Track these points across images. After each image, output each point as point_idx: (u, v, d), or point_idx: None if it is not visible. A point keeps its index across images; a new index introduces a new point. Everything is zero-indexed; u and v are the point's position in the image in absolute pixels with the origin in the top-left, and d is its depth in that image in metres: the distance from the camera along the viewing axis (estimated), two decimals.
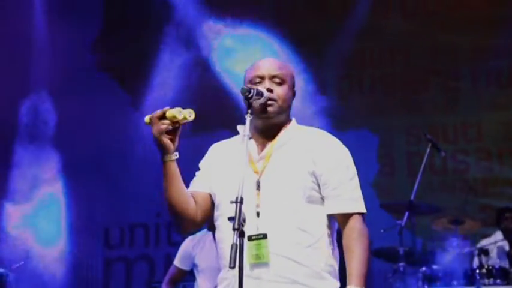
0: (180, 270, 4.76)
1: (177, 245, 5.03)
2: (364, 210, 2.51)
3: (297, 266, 2.39)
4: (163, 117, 2.44)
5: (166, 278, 4.78)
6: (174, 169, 2.48)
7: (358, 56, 8.41)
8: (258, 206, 2.42)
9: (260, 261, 2.35)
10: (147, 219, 8.31)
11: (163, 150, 2.46)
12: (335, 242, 2.54)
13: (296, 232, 2.41)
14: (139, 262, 8.40)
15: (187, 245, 4.72)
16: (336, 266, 2.51)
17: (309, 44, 8.25)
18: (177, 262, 4.75)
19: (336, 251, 2.53)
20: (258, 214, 2.41)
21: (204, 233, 4.69)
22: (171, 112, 2.44)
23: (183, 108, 2.46)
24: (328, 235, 2.49)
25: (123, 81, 8.65)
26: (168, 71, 8.15)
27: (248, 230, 2.27)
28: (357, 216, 2.49)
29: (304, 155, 2.50)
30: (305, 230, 2.42)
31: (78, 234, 8.17)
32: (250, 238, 2.29)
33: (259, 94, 2.44)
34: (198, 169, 2.67)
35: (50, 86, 8.21)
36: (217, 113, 7.45)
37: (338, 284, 2.50)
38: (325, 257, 2.46)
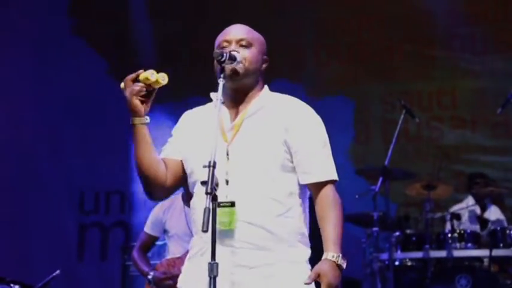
0: (150, 237, 4.76)
1: None
2: (336, 178, 2.51)
3: (267, 234, 2.40)
4: (136, 80, 2.44)
5: (137, 245, 4.77)
6: (145, 133, 2.47)
7: (334, 24, 8.39)
8: (227, 173, 2.42)
9: (228, 228, 2.35)
10: (122, 186, 8.31)
11: (134, 113, 2.45)
12: (307, 209, 2.55)
13: (266, 200, 2.41)
14: (115, 228, 8.42)
15: (157, 211, 4.73)
16: (307, 234, 2.52)
17: (285, 11, 8.23)
18: (147, 228, 4.75)
19: (307, 219, 2.54)
20: (227, 182, 2.41)
21: (174, 198, 4.70)
22: (143, 75, 2.44)
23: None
24: (300, 204, 2.50)
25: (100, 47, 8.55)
26: None
27: (218, 197, 2.29)
28: (329, 184, 2.49)
29: (275, 124, 2.50)
30: (275, 199, 2.43)
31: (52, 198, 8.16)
32: (219, 205, 2.29)
33: (232, 58, 2.44)
34: (171, 136, 2.66)
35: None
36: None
37: (309, 251, 2.51)
38: (297, 226, 2.47)
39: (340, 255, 2.38)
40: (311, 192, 2.53)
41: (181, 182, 2.58)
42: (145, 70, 2.46)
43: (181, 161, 2.57)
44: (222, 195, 2.34)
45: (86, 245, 8.43)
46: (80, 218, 8.47)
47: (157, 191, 2.55)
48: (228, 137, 2.49)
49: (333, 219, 2.42)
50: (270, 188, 2.43)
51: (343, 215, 2.47)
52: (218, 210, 2.26)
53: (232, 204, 2.38)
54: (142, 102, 2.45)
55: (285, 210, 2.45)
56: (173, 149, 2.59)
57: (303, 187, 2.53)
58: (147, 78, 2.43)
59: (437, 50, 8.31)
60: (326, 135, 2.57)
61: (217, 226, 2.25)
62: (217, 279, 2.18)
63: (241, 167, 2.43)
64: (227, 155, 2.45)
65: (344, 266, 2.39)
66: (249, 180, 2.42)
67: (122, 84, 2.48)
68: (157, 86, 2.47)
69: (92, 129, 8.21)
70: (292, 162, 2.49)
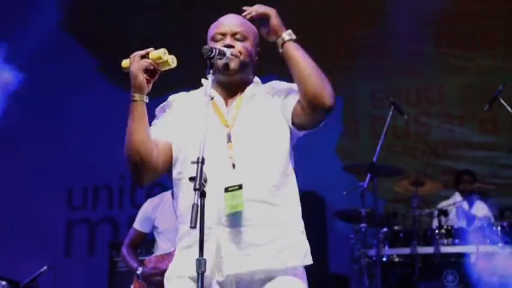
0: (140, 233, 4.76)
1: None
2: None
3: (274, 209, 2.41)
4: (144, 57, 2.43)
5: (126, 241, 4.77)
6: (143, 110, 2.43)
7: (323, 19, 8.39)
8: (231, 157, 2.40)
9: (236, 210, 2.34)
10: (111, 181, 8.29)
11: (137, 89, 2.42)
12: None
13: (274, 178, 2.43)
14: (103, 224, 8.40)
15: (146, 207, 4.73)
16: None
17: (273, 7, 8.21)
18: (136, 225, 4.75)
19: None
20: (233, 166, 2.39)
21: (163, 195, 4.70)
22: (155, 53, 2.42)
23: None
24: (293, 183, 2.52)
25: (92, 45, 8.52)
26: None
27: (224, 182, 2.32)
28: None
29: (270, 105, 2.52)
30: (278, 177, 2.44)
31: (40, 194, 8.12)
32: (226, 190, 2.30)
33: (221, 54, 2.43)
34: (155, 116, 2.61)
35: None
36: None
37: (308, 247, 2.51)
38: (299, 213, 2.50)
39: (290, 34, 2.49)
40: (298, 114, 2.47)
41: (171, 164, 2.52)
42: (155, 49, 2.44)
43: (171, 143, 2.52)
44: (229, 179, 2.35)
45: (74, 240, 8.40)
46: (67, 213, 8.44)
47: (147, 174, 2.46)
48: (228, 120, 2.48)
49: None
50: (275, 169, 2.44)
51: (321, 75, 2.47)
52: (225, 195, 2.29)
53: (240, 187, 2.36)
54: (146, 79, 2.42)
55: (287, 194, 2.47)
56: (163, 130, 2.54)
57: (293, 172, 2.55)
58: (159, 57, 2.42)
59: (425, 46, 8.33)
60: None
61: (225, 211, 2.30)
62: (225, 260, 2.24)
63: (244, 151, 2.42)
64: (229, 139, 2.44)
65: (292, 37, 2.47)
66: (255, 162, 2.42)
67: (124, 62, 2.46)
68: (165, 68, 2.44)
69: (79, 124, 8.18)
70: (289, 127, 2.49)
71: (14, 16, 8.12)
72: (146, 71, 2.42)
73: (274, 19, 2.51)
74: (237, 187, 2.35)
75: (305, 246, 2.48)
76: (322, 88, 2.43)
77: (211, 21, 2.62)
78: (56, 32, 8.40)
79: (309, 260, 2.47)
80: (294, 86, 2.51)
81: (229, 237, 2.33)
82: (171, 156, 2.51)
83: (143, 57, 2.43)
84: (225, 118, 2.48)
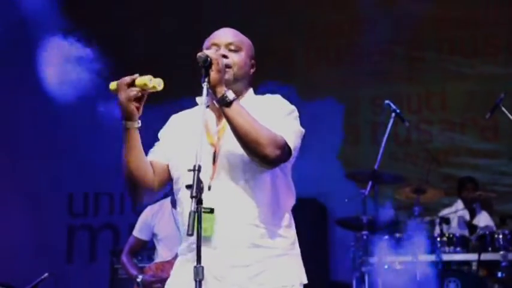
0: (139, 241, 4.76)
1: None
2: (291, 144, 2.42)
3: (250, 229, 2.40)
4: (131, 84, 2.42)
5: (126, 248, 4.78)
6: (136, 137, 2.45)
7: (325, 26, 8.40)
8: (211, 178, 2.41)
9: (205, 235, 2.31)
10: (112, 188, 8.28)
11: (128, 117, 2.43)
12: (292, 222, 2.54)
13: (248, 208, 2.40)
14: (104, 230, 8.39)
15: (146, 215, 4.73)
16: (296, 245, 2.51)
17: (276, 13, 8.24)
18: (136, 232, 4.75)
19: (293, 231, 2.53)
20: (209, 188, 2.39)
21: (163, 202, 4.70)
22: (141, 80, 2.41)
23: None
24: (284, 214, 2.49)
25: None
26: None
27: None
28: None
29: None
30: (258, 207, 2.41)
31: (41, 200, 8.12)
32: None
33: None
34: (158, 139, 2.65)
35: None
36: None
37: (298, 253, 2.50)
38: (280, 238, 2.46)
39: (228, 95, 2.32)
40: None
41: (167, 185, 2.57)
42: (141, 75, 2.43)
43: (168, 165, 2.55)
44: (204, 201, 2.31)
45: (75, 247, 8.40)
46: (68, 220, 8.44)
47: (143, 195, 2.53)
48: (214, 140, 2.48)
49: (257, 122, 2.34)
50: (255, 195, 2.41)
51: (263, 136, 2.33)
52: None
53: (212, 210, 2.36)
54: (135, 106, 2.43)
55: (269, 219, 2.43)
56: (160, 152, 2.58)
57: (290, 195, 2.52)
58: (145, 84, 2.41)
59: (427, 53, 8.33)
60: (291, 107, 2.53)
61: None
62: (205, 280, 2.17)
63: (226, 172, 2.42)
64: (214, 158, 2.44)
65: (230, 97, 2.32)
66: (231, 186, 2.41)
67: (112, 85, 2.45)
68: (152, 91, 2.44)
69: (81, 130, 8.18)
70: None
71: None
72: (134, 98, 2.42)
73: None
74: (208, 210, 2.34)
75: (289, 266, 2.44)
76: (258, 145, 2.32)
77: (216, 28, 2.63)
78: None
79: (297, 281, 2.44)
80: (284, 108, 2.49)
81: (206, 258, 2.27)
82: (168, 177, 2.55)
83: (130, 84, 2.41)
84: (212, 137, 2.48)
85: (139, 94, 2.41)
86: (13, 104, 8.19)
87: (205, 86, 2.34)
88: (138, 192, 2.50)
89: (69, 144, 8.20)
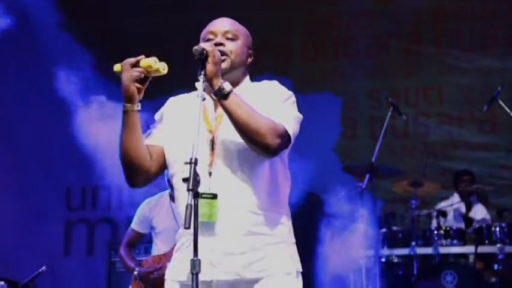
0: (137, 233, 4.76)
1: None
2: (290, 131, 2.41)
3: (252, 217, 2.39)
4: (135, 65, 2.41)
5: (124, 241, 4.78)
6: (136, 120, 2.44)
7: (322, 20, 8.40)
8: (210, 165, 2.41)
9: (209, 221, 2.33)
10: (110, 182, 8.27)
11: (128, 99, 2.42)
12: (289, 210, 2.54)
13: (247, 195, 2.39)
14: (101, 224, 8.39)
15: (144, 208, 4.74)
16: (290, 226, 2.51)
17: (272, 6, 8.23)
18: (134, 225, 4.76)
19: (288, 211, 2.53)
20: (210, 174, 2.39)
21: (161, 195, 4.70)
22: (146, 61, 2.40)
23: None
24: (282, 201, 2.49)
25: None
26: None
27: (200, 188, 2.23)
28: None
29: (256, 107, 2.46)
30: (258, 193, 2.41)
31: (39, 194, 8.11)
32: (201, 196, 2.24)
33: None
34: (154, 121, 2.63)
35: None
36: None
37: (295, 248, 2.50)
38: (279, 225, 2.46)
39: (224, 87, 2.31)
40: None
41: (164, 169, 2.55)
42: (146, 57, 2.42)
43: (163, 148, 2.54)
44: (204, 187, 2.32)
45: (73, 241, 8.40)
46: (66, 214, 8.44)
47: (140, 178, 2.51)
48: (212, 126, 2.47)
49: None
50: (254, 181, 2.41)
51: (262, 125, 2.32)
52: (200, 201, 2.23)
53: (214, 196, 2.36)
54: (137, 88, 2.42)
55: (269, 205, 2.43)
56: (157, 136, 2.57)
57: (285, 176, 2.52)
58: (149, 66, 2.40)
59: (424, 46, 8.33)
60: (288, 93, 2.53)
61: (199, 218, 2.22)
62: (203, 266, 2.17)
63: (225, 159, 2.41)
64: (212, 145, 2.43)
65: (227, 89, 2.32)
66: (232, 173, 2.40)
67: (116, 66, 2.45)
68: (156, 75, 2.43)
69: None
70: None
71: None
72: (137, 79, 2.41)
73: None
74: (210, 196, 2.34)
75: (286, 254, 2.45)
76: (259, 135, 2.32)
77: (211, 20, 2.62)
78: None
79: (293, 268, 2.45)
80: (281, 94, 2.49)
81: (204, 245, 2.27)
82: (164, 161, 2.53)
83: (134, 65, 2.41)
84: (210, 124, 2.48)
85: (142, 75, 2.41)
86: (10, 98, 8.19)
87: (201, 78, 2.33)
88: (134, 174, 2.49)
89: (67, 138, 8.19)
